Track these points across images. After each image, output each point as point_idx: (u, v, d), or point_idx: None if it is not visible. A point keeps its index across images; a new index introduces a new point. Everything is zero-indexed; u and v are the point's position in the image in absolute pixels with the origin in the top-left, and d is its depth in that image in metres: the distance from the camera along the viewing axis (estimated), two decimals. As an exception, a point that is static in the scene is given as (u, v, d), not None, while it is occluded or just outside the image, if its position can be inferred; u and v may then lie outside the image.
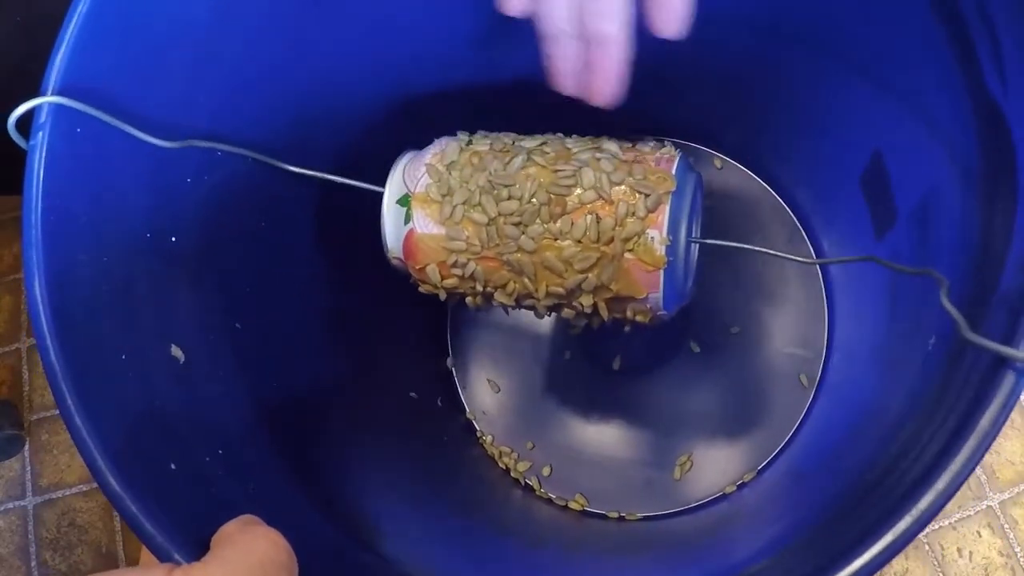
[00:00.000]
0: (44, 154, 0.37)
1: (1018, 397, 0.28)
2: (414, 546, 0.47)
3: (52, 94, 0.37)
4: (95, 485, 0.83)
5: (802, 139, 0.61)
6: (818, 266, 0.64)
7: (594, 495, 0.65)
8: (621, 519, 0.63)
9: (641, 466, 0.65)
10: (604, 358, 0.68)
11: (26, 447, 0.86)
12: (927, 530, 0.75)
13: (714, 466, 0.63)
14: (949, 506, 0.73)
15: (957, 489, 0.28)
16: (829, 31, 0.48)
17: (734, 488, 0.62)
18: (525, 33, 0.40)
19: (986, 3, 0.34)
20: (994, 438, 0.27)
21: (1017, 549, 0.76)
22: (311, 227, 0.53)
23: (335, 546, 0.41)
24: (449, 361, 0.70)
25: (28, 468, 0.85)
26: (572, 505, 0.65)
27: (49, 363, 0.34)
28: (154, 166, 0.41)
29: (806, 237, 0.65)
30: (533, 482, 0.66)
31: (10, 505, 0.84)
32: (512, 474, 0.66)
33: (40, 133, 0.37)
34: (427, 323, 0.70)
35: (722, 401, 0.65)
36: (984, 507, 0.77)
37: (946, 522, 0.77)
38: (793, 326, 0.65)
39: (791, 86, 0.56)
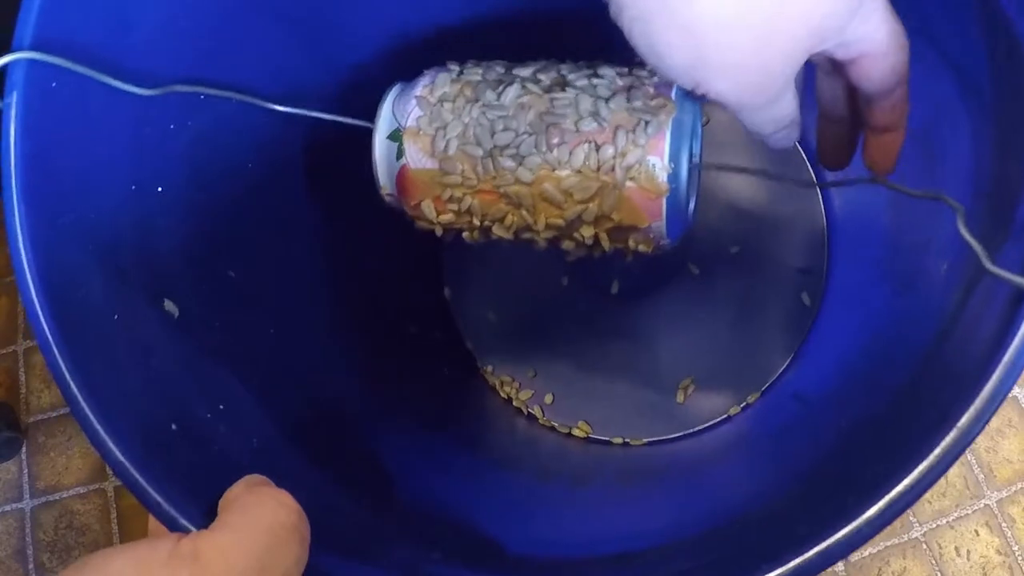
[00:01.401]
0: (20, 113, 0.35)
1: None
2: (421, 491, 0.47)
3: (25, 50, 0.35)
4: (93, 487, 0.83)
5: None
6: (817, 185, 0.63)
7: (597, 422, 0.64)
8: (625, 444, 0.63)
9: (643, 390, 0.65)
10: (602, 283, 0.67)
11: (23, 449, 0.85)
12: (924, 529, 0.77)
13: (717, 389, 0.63)
14: (947, 504, 0.76)
15: (987, 421, 0.27)
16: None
17: (738, 410, 0.62)
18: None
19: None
20: (1018, 376, 0.26)
21: (1015, 547, 0.76)
22: (301, 167, 0.52)
23: (338, 499, 0.41)
24: (446, 291, 0.69)
25: (25, 470, 0.84)
26: (576, 432, 0.64)
27: (40, 330, 0.33)
28: (136, 116, 0.40)
29: (804, 156, 0.63)
30: (536, 411, 0.65)
31: (7, 508, 0.83)
32: (515, 403, 0.66)
33: (14, 92, 0.35)
34: (422, 254, 0.69)
35: (723, 322, 0.65)
36: (982, 506, 0.77)
37: (944, 521, 0.77)
38: (793, 244, 0.64)
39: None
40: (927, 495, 0.74)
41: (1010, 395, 0.82)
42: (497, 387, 0.67)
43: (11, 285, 0.92)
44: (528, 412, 0.66)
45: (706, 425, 0.62)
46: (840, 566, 0.77)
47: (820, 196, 0.62)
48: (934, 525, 0.77)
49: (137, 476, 0.32)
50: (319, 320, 0.53)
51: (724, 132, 0.64)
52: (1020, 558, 0.76)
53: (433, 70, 0.45)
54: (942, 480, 0.78)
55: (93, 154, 0.38)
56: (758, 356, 0.63)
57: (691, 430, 0.63)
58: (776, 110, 0.35)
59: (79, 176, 0.37)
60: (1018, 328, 0.26)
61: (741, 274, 0.65)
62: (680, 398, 0.64)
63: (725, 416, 0.62)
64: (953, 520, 0.77)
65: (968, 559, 0.76)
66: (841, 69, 0.37)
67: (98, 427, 0.32)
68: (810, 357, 0.60)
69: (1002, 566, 0.76)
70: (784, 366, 0.62)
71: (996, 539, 0.76)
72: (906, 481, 0.28)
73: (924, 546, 0.77)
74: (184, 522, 0.32)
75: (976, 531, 0.77)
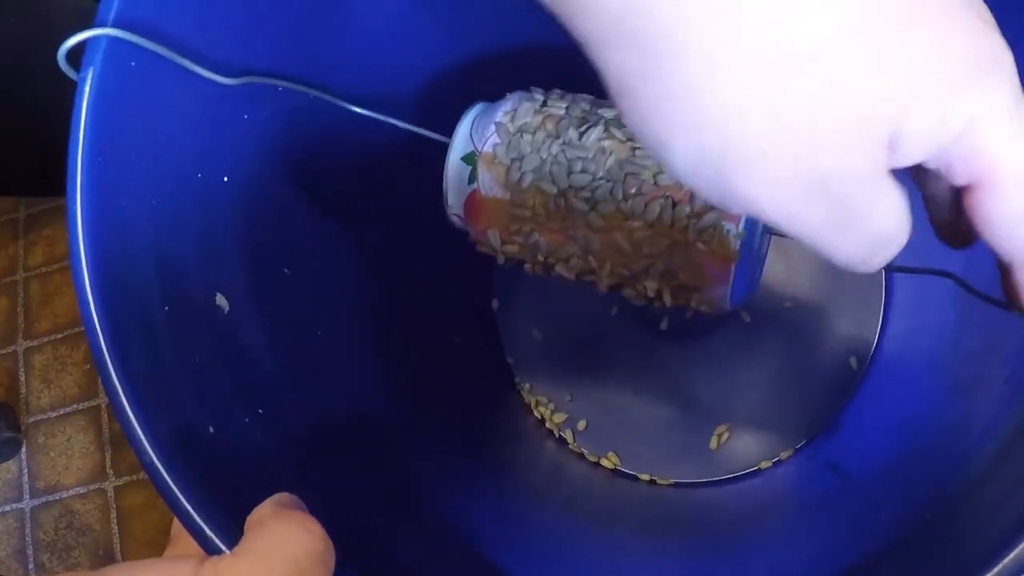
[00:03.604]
0: (94, 89, 0.35)
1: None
2: (448, 515, 0.47)
3: (109, 26, 0.35)
4: (93, 487, 0.84)
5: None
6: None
7: (627, 455, 0.64)
8: (652, 482, 0.63)
9: (678, 431, 0.64)
10: (652, 317, 0.66)
11: (23, 449, 0.86)
12: None
13: (752, 440, 0.62)
14: None
15: None
16: None
17: (769, 464, 0.61)
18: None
19: None
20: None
21: None
22: (365, 170, 0.52)
23: (365, 514, 0.41)
24: (494, 303, 0.69)
25: (25, 470, 0.85)
26: (604, 463, 0.64)
27: (88, 315, 0.33)
28: (210, 103, 0.40)
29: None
30: (567, 435, 0.65)
31: (7, 508, 0.84)
32: (547, 424, 0.66)
33: (91, 68, 0.35)
34: (474, 264, 0.68)
35: (767, 374, 0.64)
36: None
37: None
38: (848, 311, 0.63)
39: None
40: None
41: None
42: (532, 406, 0.66)
43: (10, 285, 0.93)
44: (559, 436, 0.65)
45: (735, 475, 0.62)
46: None
47: (883, 272, 0.61)
48: None
49: (169, 480, 0.32)
50: (365, 324, 0.53)
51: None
52: None
53: (517, 95, 0.45)
54: None
55: (162, 138, 0.38)
56: (797, 413, 0.62)
57: (719, 477, 0.62)
58: (865, 231, 0.24)
59: (146, 159, 0.37)
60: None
61: (792, 329, 0.64)
62: (713, 444, 0.63)
63: (755, 468, 0.61)
64: None
65: None
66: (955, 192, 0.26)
67: (135, 423, 0.32)
68: (849, 426, 0.59)
69: None
70: (822, 429, 0.61)
71: None
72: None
73: None
74: (211, 533, 0.32)
75: None
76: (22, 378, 0.89)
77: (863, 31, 0.20)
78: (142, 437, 0.32)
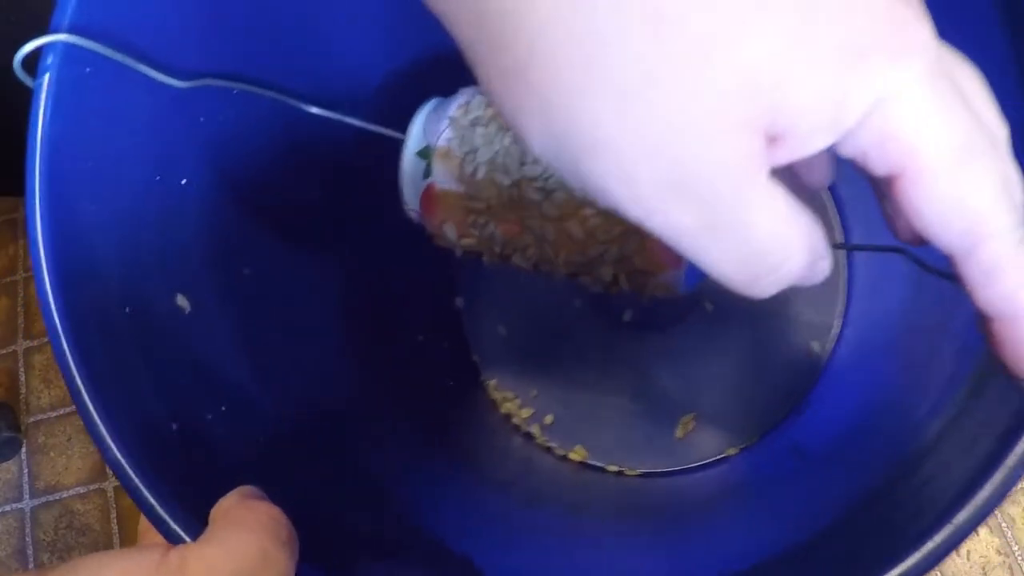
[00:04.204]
0: (50, 96, 0.35)
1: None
2: (412, 505, 0.47)
3: (62, 32, 0.35)
4: (93, 487, 0.84)
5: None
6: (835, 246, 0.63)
7: (595, 447, 0.64)
8: (620, 474, 0.63)
9: (644, 422, 0.65)
10: (616, 309, 0.67)
11: (23, 449, 0.86)
12: None
13: (717, 428, 0.63)
14: None
15: (986, 516, 0.27)
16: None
17: (735, 451, 0.62)
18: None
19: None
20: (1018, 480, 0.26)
21: (1015, 547, 0.76)
22: (323, 169, 0.52)
23: (328, 508, 0.41)
24: (459, 301, 0.69)
25: (25, 470, 0.85)
26: (572, 456, 0.64)
27: (50, 318, 0.33)
28: (166, 107, 0.40)
29: (835, 211, 0.63)
30: (535, 430, 0.65)
31: (7, 508, 0.84)
32: (514, 420, 0.66)
33: (47, 74, 0.35)
34: (437, 263, 0.69)
35: (731, 363, 0.64)
36: None
37: None
38: (810, 296, 0.64)
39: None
40: None
41: None
42: (498, 402, 0.67)
43: (10, 285, 0.93)
44: (526, 431, 0.66)
45: (702, 463, 0.62)
46: None
47: (844, 253, 0.62)
48: None
49: (133, 475, 0.32)
50: (328, 323, 0.53)
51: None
52: (1020, 558, 0.76)
53: (470, 89, 0.45)
54: None
55: (121, 142, 0.38)
56: (762, 400, 0.63)
57: (686, 466, 0.63)
58: (736, 240, 0.21)
59: (104, 164, 0.37)
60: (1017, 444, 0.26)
61: (755, 316, 0.65)
62: (679, 433, 0.64)
63: (721, 456, 0.62)
64: None
65: (968, 559, 0.76)
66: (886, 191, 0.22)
67: (98, 421, 0.32)
68: (812, 410, 0.59)
69: (1002, 566, 0.76)
70: (786, 414, 0.62)
71: (996, 539, 0.76)
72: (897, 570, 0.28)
73: None
74: (175, 527, 0.32)
75: (976, 531, 0.76)
76: (22, 378, 0.89)
77: (727, 5, 0.18)
78: (106, 437, 0.32)
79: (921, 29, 0.19)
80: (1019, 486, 0.73)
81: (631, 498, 0.61)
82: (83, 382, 0.33)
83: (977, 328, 0.24)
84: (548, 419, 0.66)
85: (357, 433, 0.49)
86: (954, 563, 0.75)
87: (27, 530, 0.83)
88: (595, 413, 0.66)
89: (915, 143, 0.20)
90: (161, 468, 0.32)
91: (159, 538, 0.32)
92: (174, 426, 0.35)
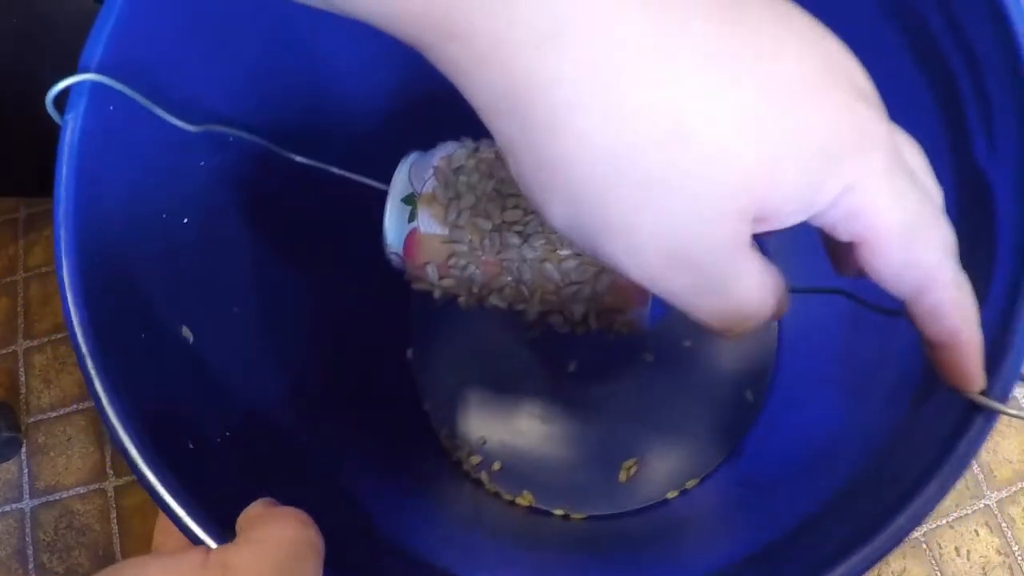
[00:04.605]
0: (78, 132, 0.37)
1: (985, 439, 0.31)
2: (384, 528, 0.49)
3: (93, 72, 0.38)
4: (93, 487, 0.83)
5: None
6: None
7: (541, 493, 0.67)
8: (566, 517, 0.66)
9: (588, 467, 0.68)
10: (560, 361, 0.70)
11: (23, 449, 0.85)
12: (924, 528, 0.76)
13: (659, 472, 0.66)
14: (947, 504, 0.76)
15: (923, 519, 0.31)
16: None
17: (676, 494, 0.65)
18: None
19: (980, 68, 0.37)
20: (961, 473, 0.30)
21: (1015, 548, 0.76)
22: (309, 219, 0.55)
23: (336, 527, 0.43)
24: (410, 353, 0.72)
25: (25, 470, 0.84)
26: (519, 501, 0.67)
27: (78, 346, 0.34)
28: (174, 148, 0.42)
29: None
30: (483, 476, 0.68)
31: (7, 508, 0.83)
32: (464, 467, 0.69)
33: (75, 111, 0.37)
34: (392, 317, 0.72)
35: (670, 410, 0.68)
36: (982, 506, 0.77)
37: (943, 521, 0.77)
38: (743, 344, 0.68)
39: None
40: None
41: (1010, 395, 0.83)
42: (449, 450, 0.69)
43: (10, 285, 0.92)
44: (476, 477, 0.68)
45: (645, 506, 0.66)
46: None
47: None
48: (934, 525, 0.77)
49: (163, 489, 0.33)
50: (301, 366, 0.55)
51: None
52: (1020, 558, 0.76)
53: (450, 143, 0.49)
54: None
55: (134, 179, 0.41)
56: (701, 445, 0.67)
57: (629, 509, 0.66)
58: (721, 299, 0.26)
59: (120, 198, 0.39)
60: (963, 438, 0.30)
61: (691, 367, 0.69)
62: (622, 477, 0.67)
63: (663, 499, 0.65)
64: (953, 520, 0.77)
65: (968, 559, 0.76)
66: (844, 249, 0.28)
67: (126, 438, 0.34)
68: (752, 450, 0.64)
69: (1002, 566, 0.76)
70: (724, 458, 0.66)
71: (996, 539, 0.76)
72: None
73: (924, 546, 0.76)
74: (205, 537, 0.33)
75: (976, 531, 0.77)
76: (22, 378, 0.87)
77: (727, 118, 0.22)
78: (133, 449, 0.34)
79: (880, 127, 0.25)
80: (1018, 486, 0.76)
81: (579, 538, 0.64)
82: (110, 403, 0.34)
83: (923, 353, 0.29)
84: (496, 466, 0.68)
85: (324, 467, 0.51)
86: (954, 563, 0.76)
87: (27, 530, 0.81)
88: (541, 459, 0.68)
89: (874, 221, 0.25)
90: (185, 483, 0.34)
91: (177, 539, 0.34)
92: (190, 445, 0.37)
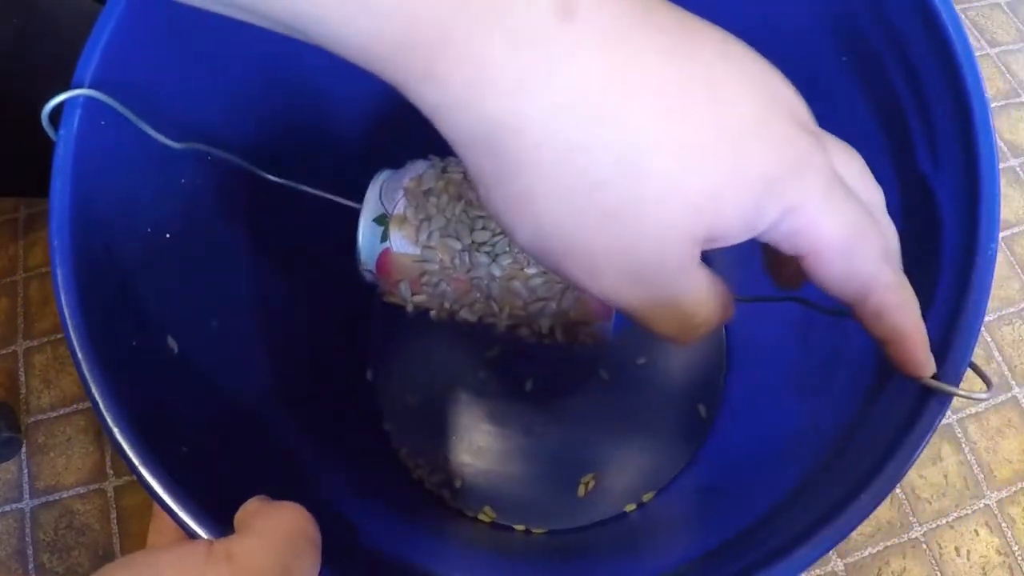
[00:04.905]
0: (73, 146, 0.38)
1: (939, 423, 0.33)
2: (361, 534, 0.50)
3: (87, 87, 0.39)
4: (93, 487, 0.83)
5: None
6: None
7: (502, 508, 0.69)
8: (527, 532, 0.68)
9: (547, 483, 0.70)
10: (517, 380, 0.72)
11: (23, 449, 0.84)
12: (924, 529, 0.77)
13: (616, 486, 0.69)
14: (947, 504, 0.79)
15: (878, 503, 0.33)
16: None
17: (634, 507, 0.67)
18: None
19: (922, 88, 0.40)
20: (917, 456, 0.33)
21: (1015, 548, 0.77)
22: (286, 236, 0.56)
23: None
24: (369, 374, 0.73)
25: (25, 470, 0.83)
26: (481, 517, 0.69)
27: (74, 351, 0.35)
28: (158, 164, 0.44)
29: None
30: (445, 494, 0.69)
31: (7, 508, 0.82)
32: (426, 485, 0.70)
33: (71, 124, 0.38)
34: (351, 338, 0.73)
35: (626, 426, 0.71)
36: (982, 506, 0.79)
37: (944, 521, 0.78)
38: (694, 360, 0.71)
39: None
40: (927, 494, 0.80)
41: (1010, 395, 0.85)
42: (411, 469, 0.71)
43: (10, 285, 0.91)
44: (438, 494, 0.70)
45: (603, 519, 0.68)
46: (840, 565, 0.78)
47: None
48: (934, 525, 0.78)
49: (161, 490, 0.34)
50: (271, 382, 0.56)
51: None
52: (1020, 558, 0.77)
53: (419, 162, 0.50)
54: (942, 480, 0.81)
55: (123, 193, 0.42)
56: (656, 459, 0.69)
57: (589, 523, 0.68)
58: (674, 311, 0.29)
59: (110, 211, 0.41)
60: (919, 416, 0.33)
61: (645, 383, 0.71)
62: (581, 492, 0.69)
63: (620, 512, 0.68)
64: (953, 520, 0.79)
65: (968, 559, 0.77)
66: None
67: (124, 441, 0.35)
68: (707, 460, 0.66)
69: (1002, 566, 0.76)
70: (679, 470, 0.68)
71: (996, 539, 0.77)
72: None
73: (924, 546, 0.77)
74: (202, 532, 0.35)
75: (976, 531, 0.78)
76: (22, 378, 0.86)
77: (676, 152, 0.25)
78: (130, 451, 0.35)
79: (816, 154, 0.27)
80: (1018, 486, 0.78)
81: (542, 551, 0.65)
82: (107, 408, 0.35)
83: (874, 349, 0.32)
84: (457, 483, 0.70)
85: (298, 479, 0.52)
86: (954, 563, 0.77)
87: (27, 530, 0.80)
88: (501, 476, 0.70)
89: (815, 238, 0.27)
90: (184, 483, 0.35)
91: (173, 540, 0.35)
92: (184, 449, 0.38)
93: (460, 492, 0.70)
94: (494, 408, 0.72)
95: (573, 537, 0.67)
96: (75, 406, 0.86)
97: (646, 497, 0.67)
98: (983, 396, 0.32)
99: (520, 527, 0.68)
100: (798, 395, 0.52)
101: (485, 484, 0.70)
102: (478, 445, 0.71)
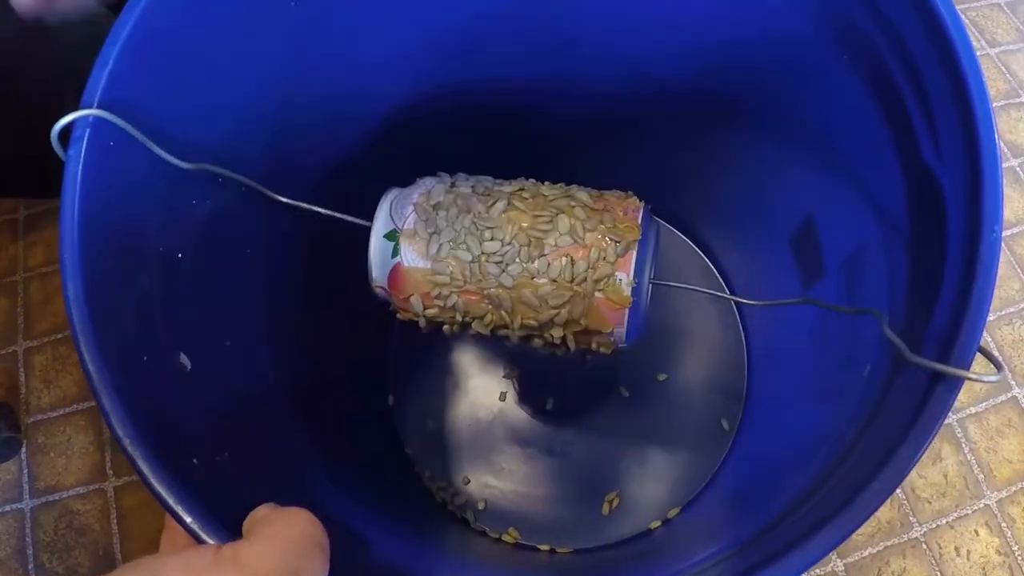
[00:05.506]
0: (81, 166, 0.39)
1: (949, 409, 0.33)
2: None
3: (95, 107, 0.39)
4: (93, 487, 0.84)
5: (736, 207, 0.67)
6: (738, 319, 0.70)
7: (526, 529, 0.69)
8: (552, 552, 0.67)
9: (571, 502, 0.70)
10: (538, 400, 0.72)
11: (23, 449, 0.85)
12: (924, 529, 0.77)
13: (641, 503, 0.68)
14: (947, 504, 0.78)
15: (894, 488, 0.33)
16: (768, 109, 0.55)
17: (659, 524, 0.67)
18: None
19: (924, 84, 0.40)
20: (928, 443, 0.33)
21: (1015, 547, 0.77)
22: (295, 257, 0.57)
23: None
24: (390, 399, 0.73)
25: (25, 471, 0.84)
26: (505, 538, 0.68)
27: (84, 364, 0.36)
28: (167, 185, 0.44)
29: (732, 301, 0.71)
30: (469, 516, 0.69)
31: (7, 508, 0.82)
32: (449, 508, 0.70)
33: (78, 146, 0.39)
34: (371, 363, 0.73)
35: (648, 443, 0.70)
36: (982, 506, 0.78)
37: (944, 521, 0.78)
38: (715, 375, 0.71)
39: (727, 159, 0.62)
40: (927, 494, 0.79)
41: (1010, 395, 0.84)
42: (433, 492, 0.71)
43: (10, 285, 0.92)
44: (462, 516, 0.69)
45: (628, 536, 0.67)
46: (840, 566, 0.78)
47: (741, 330, 0.70)
48: (934, 525, 0.78)
49: (170, 499, 0.35)
50: (286, 402, 0.56)
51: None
52: (1020, 558, 0.76)
53: (427, 179, 0.51)
54: (942, 480, 0.81)
55: (133, 213, 0.42)
56: (680, 475, 0.69)
57: (614, 541, 0.67)
58: None
59: (120, 230, 0.41)
60: (930, 402, 0.33)
61: (666, 400, 0.71)
62: (605, 510, 0.68)
63: (645, 530, 0.67)
64: (953, 520, 0.79)
65: (968, 559, 0.77)
66: None
67: (136, 452, 0.35)
68: (727, 471, 0.66)
69: (1002, 566, 0.76)
70: (703, 484, 0.67)
71: (996, 539, 0.77)
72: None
73: (924, 546, 0.77)
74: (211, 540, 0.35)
75: (976, 531, 0.78)
76: (22, 378, 0.87)
77: None
78: (142, 461, 0.35)
79: None
80: (1018, 486, 0.78)
81: (565, 571, 0.65)
82: (119, 420, 0.35)
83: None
84: (480, 505, 0.70)
85: (317, 502, 0.52)
86: (954, 563, 0.76)
87: (27, 530, 0.80)
88: (524, 497, 0.70)
89: None
90: (194, 493, 0.35)
91: (183, 538, 0.35)
92: (195, 460, 0.38)
93: (484, 514, 0.70)
94: (516, 429, 0.72)
95: (598, 556, 0.66)
96: (75, 406, 0.87)
97: (671, 514, 0.67)
98: (994, 378, 0.32)
99: (545, 547, 0.68)
100: (817, 403, 0.52)
101: (509, 505, 0.70)
102: (501, 466, 0.71)
